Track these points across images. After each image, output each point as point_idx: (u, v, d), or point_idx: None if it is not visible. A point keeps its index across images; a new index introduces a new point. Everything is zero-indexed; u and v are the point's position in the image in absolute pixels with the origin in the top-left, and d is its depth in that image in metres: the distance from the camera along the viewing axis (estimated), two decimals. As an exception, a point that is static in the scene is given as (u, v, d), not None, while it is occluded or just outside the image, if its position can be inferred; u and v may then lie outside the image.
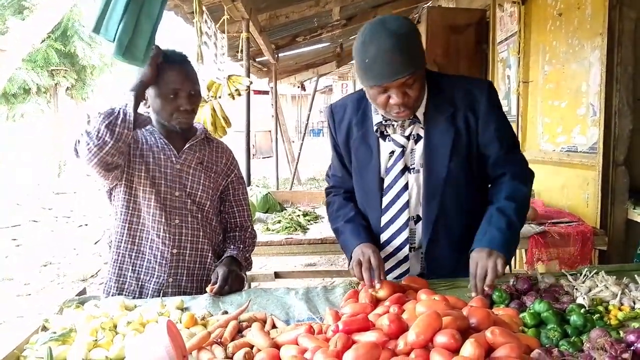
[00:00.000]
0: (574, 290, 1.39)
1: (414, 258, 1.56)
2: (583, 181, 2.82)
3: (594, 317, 1.22)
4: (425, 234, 1.52)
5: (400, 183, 1.49)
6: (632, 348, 1.05)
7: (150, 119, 1.67)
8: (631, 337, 1.08)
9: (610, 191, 2.60)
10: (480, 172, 1.53)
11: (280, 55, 7.07)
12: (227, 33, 3.67)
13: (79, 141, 1.47)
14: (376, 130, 1.50)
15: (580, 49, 2.86)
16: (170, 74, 1.55)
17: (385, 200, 1.52)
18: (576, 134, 2.92)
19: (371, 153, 1.52)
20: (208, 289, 1.50)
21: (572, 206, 2.92)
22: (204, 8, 3.04)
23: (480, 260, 1.34)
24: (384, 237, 1.55)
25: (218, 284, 1.49)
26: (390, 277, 1.56)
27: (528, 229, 2.50)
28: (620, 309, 1.27)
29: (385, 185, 1.52)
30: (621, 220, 2.60)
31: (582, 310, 1.21)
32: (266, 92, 11.90)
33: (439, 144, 1.46)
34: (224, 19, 3.49)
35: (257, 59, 7.09)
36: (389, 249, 1.55)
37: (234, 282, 1.53)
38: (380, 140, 1.51)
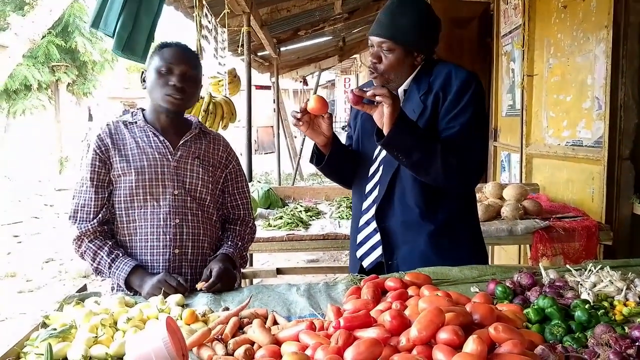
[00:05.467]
0: (579, 285, 1.37)
1: None
2: (588, 175, 2.79)
3: (599, 313, 1.21)
4: (380, 194, 1.60)
5: (382, 154, 1.62)
6: (637, 344, 1.04)
7: (141, 113, 1.66)
8: (636, 333, 1.07)
9: (616, 186, 2.58)
10: None
11: (281, 49, 7.05)
12: (227, 27, 3.64)
13: (71, 217, 1.57)
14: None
15: (585, 42, 2.83)
16: (167, 51, 1.57)
17: (372, 169, 1.65)
18: (581, 128, 2.89)
19: (373, 126, 1.61)
20: (198, 285, 1.49)
21: (577, 201, 2.89)
22: (204, 2, 3.02)
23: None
24: (365, 204, 1.66)
25: (211, 280, 1.48)
26: (367, 244, 1.63)
27: (533, 223, 2.48)
28: (625, 305, 1.26)
29: (374, 155, 1.65)
30: (627, 215, 2.58)
31: (587, 306, 1.20)
32: (268, 87, 11.87)
33: None
34: (224, 13, 3.46)
35: (258, 54, 7.06)
36: (367, 216, 1.64)
37: (227, 281, 1.52)
38: None
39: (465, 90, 1.49)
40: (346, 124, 1.64)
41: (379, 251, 1.61)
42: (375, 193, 1.63)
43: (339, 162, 1.66)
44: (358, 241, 1.67)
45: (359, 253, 1.66)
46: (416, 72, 1.57)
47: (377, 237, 1.62)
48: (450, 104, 1.50)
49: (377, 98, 1.37)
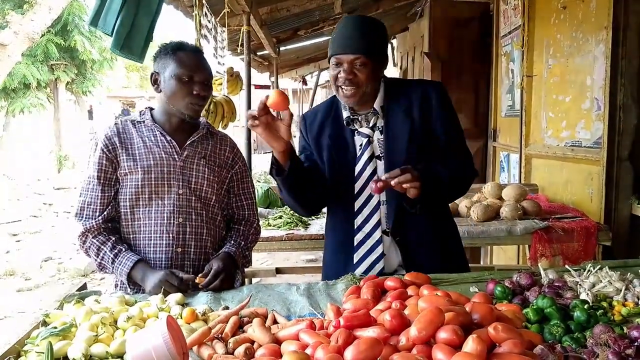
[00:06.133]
0: (578, 285, 1.38)
1: (390, 244, 1.63)
2: (587, 176, 2.80)
3: (598, 313, 1.21)
4: (390, 216, 1.60)
5: (369, 169, 1.61)
6: (635, 344, 1.04)
7: (149, 112, 1.65)
8: (635, 333, 1.07)
9: (615, 186, 2.59)
10: None
11: (281, 49, 7.04)
12: (227, 27, 3.64)
13: (77, 214, 1.59)
14: (347, 124, 1.63)
15: (584, 43, 2.83)
16: (187, 58, 1.57)
17: (357, 186, 1.62)
18: (580, 129, 2.90)
19: (347, 146, 1.64)
20: (197, 279, 1.49)
21: (576, 201, 2.90)
22: (204, 1, 3.02)
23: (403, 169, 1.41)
24: (357, 221, 1.62)
25: (208, 278, 1.49)
26: (367, 261, 1.62)
27: (532, 224, 2.49)
28: (624, 305, 1.26)
29: (355, 173, 1.61)
30: (625, 215, 2.59)
31: (586, 306, 1.20)
32: (267, 87, 11.86)
33: (398, 133, 1.59)
34: (224, 12, 3.45)
35: (258, 53, 7.05)
36: (363, 233, 1.62)
37: (224, 280, 1.51)
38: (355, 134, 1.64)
39: (445, 97, 1.63)
40: None
41: (381, 264, 1.60)
42: (369, 210, 1.61)
43: (302, 175, 1.54)
44: (355, 260, 1.62)
45: (359, 270, 1.62)
46: (383, 89, 1.62)
47: (374, 239, 1.60)
48: (440, 112, 1.60)
49: (405, 186, 1.39)
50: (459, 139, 1.65)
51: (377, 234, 1.60)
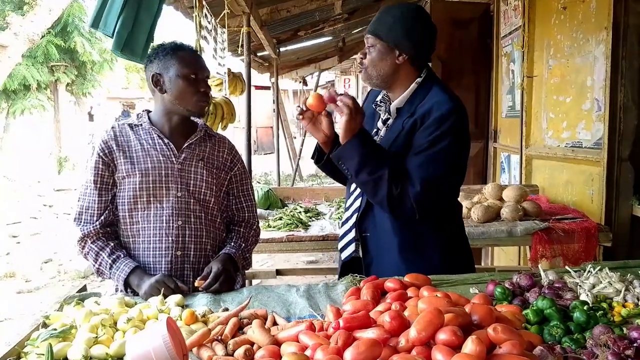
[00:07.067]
0: (578, 286, 1.38)
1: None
2: (588, 177, 2.80)
3: (598, 314, 1.21)
4: (362, 204, 1.64)
5: None
6: (635, 345, 1.04)
7: (146, 115, 1.65)
8: (634, 334, 1.07)
9: (615, 187, 2.59)
10: None
11: (281, 50, 7.04)
12: (227, 27, 3.64)
13: (75, 219, 1.59)
14: (375, 106, 1.68)
15: (585, 43, 2.83)
16: (189, 57, 1.60)
17: None
18: (581, 130, 2.90)
19: (371, 128, 1.68)
20: (196, 282, 1.49)
21: (577, 202, 2.90)
22: (204, 2, 3.01)
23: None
24: (349, 201, 1.73)
25: (208, 281, 1.49)
26: (344, 240, 1.71)
27: (532, 225, 2.48)
28: (624, 306, 1.26)
29: None
30: (626, 216, 2.58)
31: (586, 307, 1.20)
32: (267, 88, 11.87)
33: (387, 137, 1.60)
34: (224, 13, 3.46)
35: (258, 54, 7.05)
36: (349, 212, 1.71)
37: (224, 282, 1.51)
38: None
39: (438, 126, 1.46)
40: None
41: (352, 247, 1.68)
42: (357, 192, 1.67)
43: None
44: (340, 234, 1.76)
45: (339, 245, 1.75)
46: (412, 91, 1.56)
47: (352, 234, 1.68)
48: (422, 134, 1.48)
49: (339, 103, 1.42)
50: (419, 169, 1.45)
51: (355, 218, 1.67)
